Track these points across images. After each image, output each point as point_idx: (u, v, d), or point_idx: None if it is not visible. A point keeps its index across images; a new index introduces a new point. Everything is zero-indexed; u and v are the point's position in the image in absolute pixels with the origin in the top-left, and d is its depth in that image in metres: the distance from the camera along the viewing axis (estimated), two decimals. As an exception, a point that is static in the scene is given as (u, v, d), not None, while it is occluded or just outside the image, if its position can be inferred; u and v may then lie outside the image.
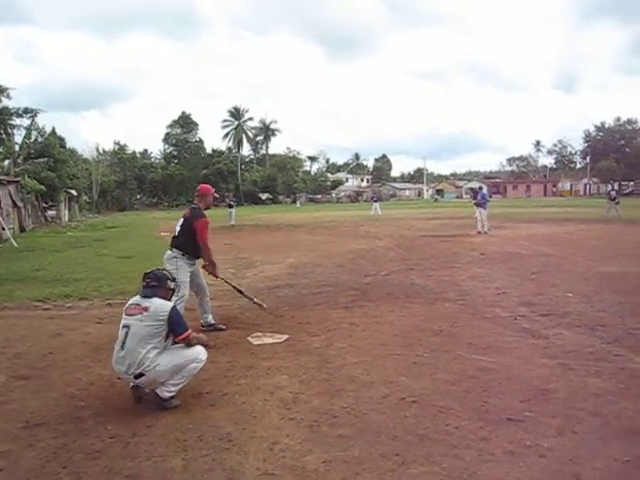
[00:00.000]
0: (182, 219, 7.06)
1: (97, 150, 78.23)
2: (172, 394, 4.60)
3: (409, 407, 4.46)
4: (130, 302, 4.75)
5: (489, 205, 23.03)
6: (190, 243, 6.94)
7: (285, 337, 6.70)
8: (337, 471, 3.46)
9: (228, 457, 3.69)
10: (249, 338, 6.72)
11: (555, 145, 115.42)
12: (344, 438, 3.92)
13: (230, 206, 31.53)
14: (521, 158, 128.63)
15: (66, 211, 43.25)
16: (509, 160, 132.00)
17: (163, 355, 4.53)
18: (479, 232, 20.99)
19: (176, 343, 4.68)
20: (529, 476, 3.34)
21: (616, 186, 74.40)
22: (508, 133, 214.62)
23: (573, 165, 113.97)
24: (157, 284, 4.80)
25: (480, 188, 27.25)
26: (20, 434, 4.18)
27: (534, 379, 5.07)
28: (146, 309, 4.54)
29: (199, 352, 4.72)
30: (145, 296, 4.69)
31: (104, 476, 3.50)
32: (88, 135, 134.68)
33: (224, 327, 7.20)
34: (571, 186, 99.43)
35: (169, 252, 6.96)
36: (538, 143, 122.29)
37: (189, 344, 4.66)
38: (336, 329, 7.06)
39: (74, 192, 46.45)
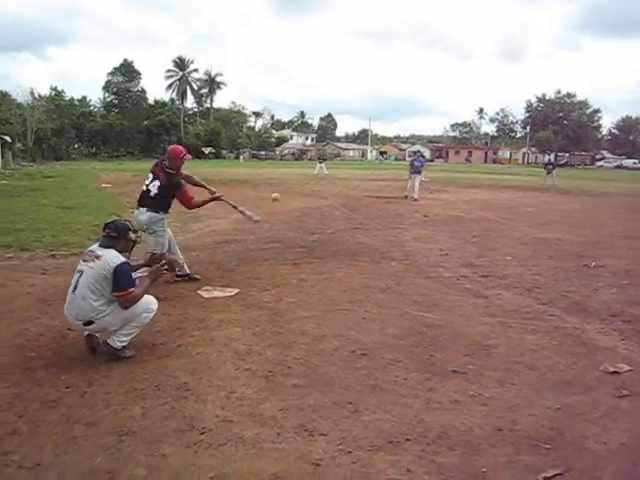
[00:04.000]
0: (156, 181, 6.83)
1: (32, 95, 74.46)
2: (124, 344, 4.61)
3: (360, 359, 4.66)
4: (88, 249, 4.72)
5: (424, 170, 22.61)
6: (168, 204, 6.96)
7: (235, 291, 6.77)
8: (294, 418, 3.61)
9: (187, 405, 3.78)
10: (199, 291, 6.75)
11: (497, 113, 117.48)
12: (299, 388, 4.08)
13: None
14: (464, 124, 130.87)
15: (-1, 158, 41.40)
16: (452, 126, 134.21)
17: (114, 305, 4.52)
18: (406, 196, 20.60)
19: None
20: (472, 422, 3.59)
21: (552, 157, 76.67)
22: (453, 99, 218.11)
23: (514, 134, 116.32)
24: (116, 235, 4.69)
25: (420, 154, 26.45)
26: (-30, 385, 4.14)
27: (476, 335, 5.35)
28: (98, 257, 4.48)
29: (150, 302, 4.72)
30: (102, 245, 4.64)
31: (63, 424, 3.53)
32: (21, 78, 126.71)
33: (199, 277, 7.34)
34: (510, 154, 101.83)
35: (153, 214, 6.78)
36: (481, 110, 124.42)
37: (124, 304, 4.53)
38: (285, 284, 7.18)
39: (8, 138, 44.40)
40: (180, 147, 7.11)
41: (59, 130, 73.43)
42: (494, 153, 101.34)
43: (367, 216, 14.96)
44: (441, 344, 5.08)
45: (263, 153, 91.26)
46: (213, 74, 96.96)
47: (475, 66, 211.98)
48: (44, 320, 5.61)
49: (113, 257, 4.51)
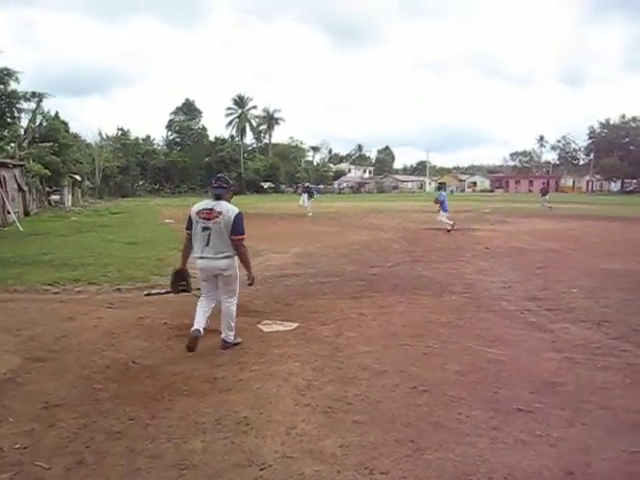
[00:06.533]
0: None
1: (100, 135, 78.14)
2: (232, 336, 5.85)
3: (421, 396, 4.57)
4: (202, 207, 5.65)
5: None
6: None
7: (295, 325, 6.78)
8: (354, 455, 3.55)
9: (247, 440, 3.78)
10: (259, 325, 6.80)
11: (559, 141, 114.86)
12: (359, 424, 4.02)
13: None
14: (524, 153, 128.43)
15: (69, 196, 43.29)
16: (512, 155, 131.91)
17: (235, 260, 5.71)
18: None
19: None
20: (541, 464, 3.44)
21: (619, 184, 74.20)
22: (512, 127, 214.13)
23: (576, 162, 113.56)
24: (227, 185, 5.80)
25: (441, 186, 23.39)
26: (40, 414, 4.27)
27: (542, 372, 5.17)
28: (220, 213, 5.51)
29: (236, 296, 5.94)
30: (215, 195, 5.67)
31: (127, 456, 3.60)
32: (90, 120, 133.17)
33: None
34: (574, 182, 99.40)
35: None
36: (542, 138, 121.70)
37: (239, 249, 5.65)
38: (345, 319, 7.14)
39: (78, 177, 46.47)
40: None
41: (125, 168, 76.54)
42: (556, 182, 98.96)
43: (427, 248, 14.81)
44: (505, 381, 4.92)
45: (321, 187, 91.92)
46: (271, 110, 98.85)
47: (534, 94, 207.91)
48: (110, 352, 5.78)
49: (230, 209, 5.61)
